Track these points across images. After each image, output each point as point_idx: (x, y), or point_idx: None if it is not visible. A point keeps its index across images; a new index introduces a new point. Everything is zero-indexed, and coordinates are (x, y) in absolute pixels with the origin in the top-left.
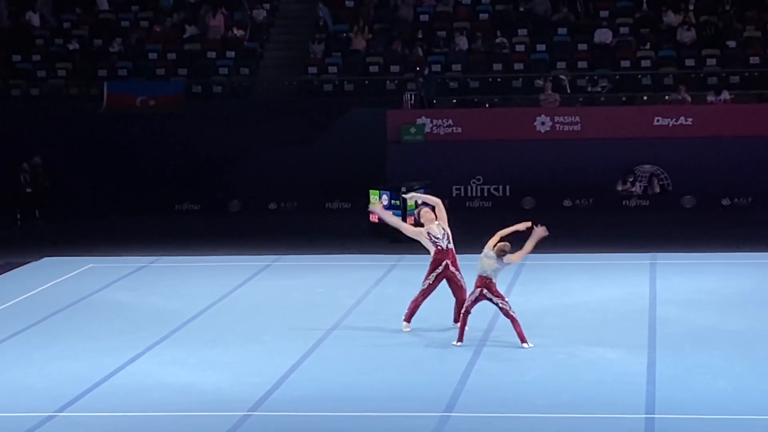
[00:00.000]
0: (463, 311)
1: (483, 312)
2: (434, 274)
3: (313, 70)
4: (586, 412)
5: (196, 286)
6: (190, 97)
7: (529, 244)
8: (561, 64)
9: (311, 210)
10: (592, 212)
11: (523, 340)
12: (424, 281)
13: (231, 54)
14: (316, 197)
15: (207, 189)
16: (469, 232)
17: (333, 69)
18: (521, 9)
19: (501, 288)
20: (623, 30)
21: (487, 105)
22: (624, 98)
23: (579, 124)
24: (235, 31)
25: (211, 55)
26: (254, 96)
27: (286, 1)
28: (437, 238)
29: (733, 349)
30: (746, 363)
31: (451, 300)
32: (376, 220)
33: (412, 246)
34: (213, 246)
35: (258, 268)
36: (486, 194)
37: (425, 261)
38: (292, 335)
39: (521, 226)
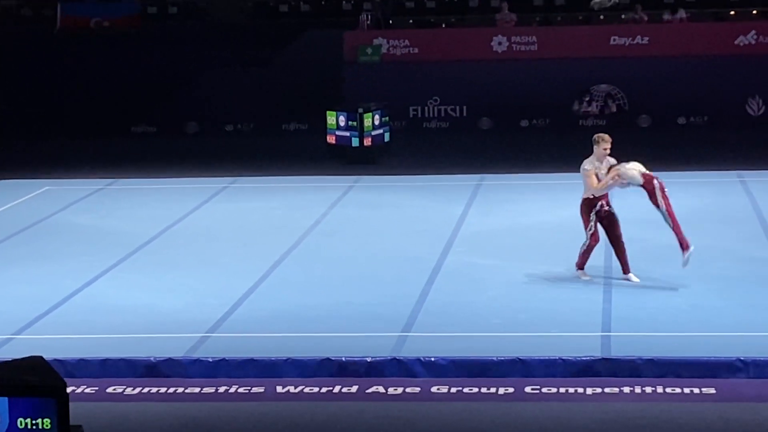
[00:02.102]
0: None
1: (441, 235)
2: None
3: None
4: (542, 330)
5: (153, 208)
6: (146, 19)
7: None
8: None
9: (268, 131)
10: (548, 132)
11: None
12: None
13: None
14: (272, 118)
15: (163, 111)
16: (427, 152)
17: None
18: None
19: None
20: None
21: (443, 25)
22: (580, 17)
23: (535, 44)
24: None
25: None
26: (210, 17)
27: None
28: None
29: (689, 266)
30: (701, 281)
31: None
32: (333, 141)
33: (369, 167)
34: (170, 168)
35: (215, 190)
36: (443, 115)
37: (382, 182)
38: (250, 257)
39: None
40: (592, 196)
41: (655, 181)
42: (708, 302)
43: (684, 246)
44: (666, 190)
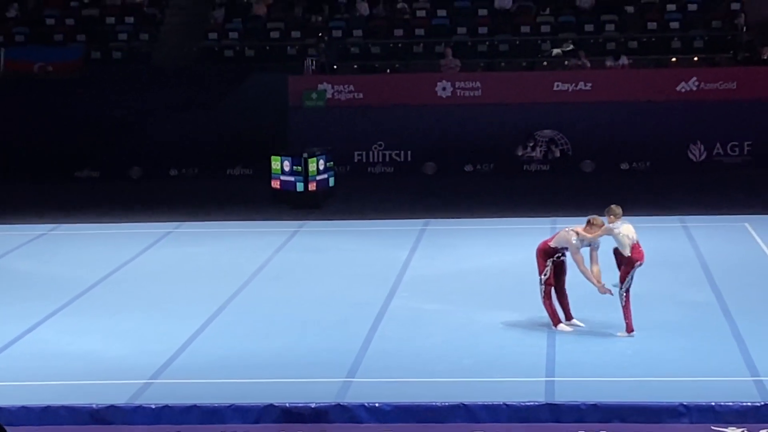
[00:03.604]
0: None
1: (385, 279)
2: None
3: (213, 35)
4: (486, 376)
5: (96, 253)
6: (89, 63)
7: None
8: (462, 30)
9: (212, 176)
10: (492, 177)
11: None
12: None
13: (130, 20)
14: (217, 163)
15: (107, 155)
16: (371, 197)
17: (234, 35)
18: None
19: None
20: None
21: (388, 70)
22: (524, 63)
23: (479, 90)
24: None
25: (110, 20)
26: (154, 62)
27: None
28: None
29: (633, 311)
30: (644, 325)
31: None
32: (278, 186)
33: (314, 212)
34: (113, 213)
35: (159, 235)
36: (388, 159)
37: (327, 227)
38: (194, 302)
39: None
40: (555, 246)
41: (640, 262)
42: (651, 347)
43: (628, 329)
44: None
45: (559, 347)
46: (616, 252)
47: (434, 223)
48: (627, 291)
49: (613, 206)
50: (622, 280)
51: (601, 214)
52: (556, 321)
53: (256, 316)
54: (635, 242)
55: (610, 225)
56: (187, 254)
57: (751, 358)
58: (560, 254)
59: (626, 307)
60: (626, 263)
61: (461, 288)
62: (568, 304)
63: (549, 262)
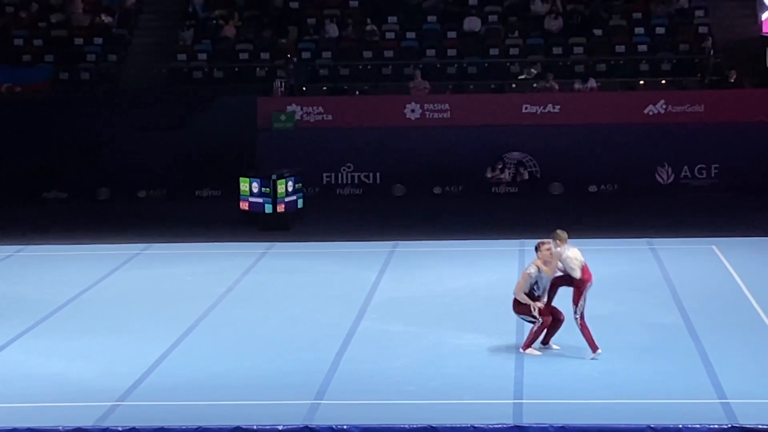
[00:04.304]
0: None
1: (354, 301)
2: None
3: (182, 57)
4: (454, 398)
5: (64, 275)
6: (58, 84)
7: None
8: (431, 52)
9: (181, 197)
10: (461, 199)
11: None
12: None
13: (99, 40)
14: (185, 185)
15: (75, 177)
16: (340, 218)
17: (203, 56)
18: None
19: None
20: (492, 18)
21: (357, 92)
22: (493, 86)
23: (448, 112)
24: (103, 18)
25: (79, 41)
26: (122, 83)
27: None
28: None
29: (599, 333)
30: (612, 347)
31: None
32: (247, 207)
33: (282, 234)
34: (81, 234)
35: (127, 256)
36: (356, 181)
37: (295, 249)
38: (162, 324)
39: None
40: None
41: (590, 283)
42: (619, 369)
43: (593, 348)
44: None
45: (527, 369)
46: (555, 282)
47: (403, 245)
48: (581, 314)
49: (558, 231)
50: (576, 302)
51: (569, 237)
52: (527, 347)
53: (224, 338)
54: (584, 264)
55: (558, 250)
56: (154, 276)
57: (718, 380)
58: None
59: (584, 329)
60: (577, 285)
61: (430, 310)
62: (554, 334)
63: (529, 301)
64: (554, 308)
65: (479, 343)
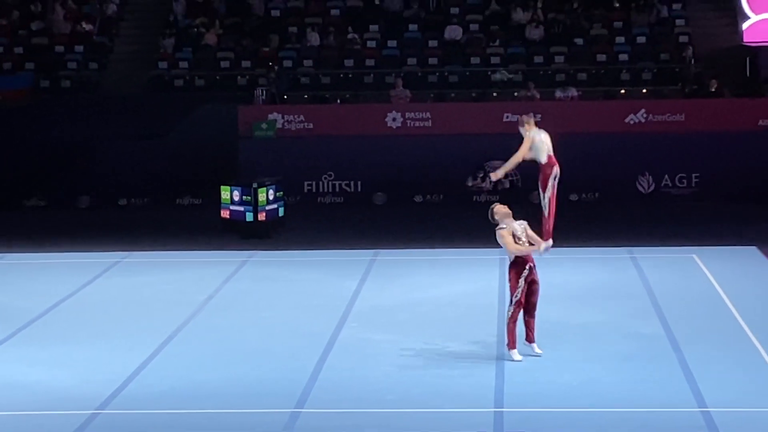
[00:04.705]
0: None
1: (335, 310)
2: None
3: (163, 64)
4: (435, 406)
5: (44, 283)
6: (38, 92)
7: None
8: (412, 60)
9: (162, 205)
10: (442, 207)
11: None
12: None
13: (80, 48)
14: (166, 192)
15: (55, 184)
16: (321, 227)
17: (184, 64)
18: (377, 2)
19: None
20: (473, 27)
21: (338, 101)
22: (474, 94)
23: (430, 120)
24: (84, 25)
25: (59, 49)
26: (103, 90)
27: None
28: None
29: (580, 342)
30: (592, 357)
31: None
32: (228, 216)
33: (263, 242)
34: (62, 242)
35: (107, 264)
36: (338, 190)
37: (276, 257)
38: (143, 332)
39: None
40: (517, 258)
41: (556, 168)
42: (599, 378)
43: (546, 236)
44: (557, 179)
45: (508, 378)
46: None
47: (384, 254)
48: (550, 199)
49: (524, 116)
50: (544, 188)
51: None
52: (512, 344)
53: (205, 347)
54: (551, 152)
55: (528, 134)
56: (135, 284)
57: (698, 389)
58: (530, 266)
59: (550, 216)
60: (543, 170)
61: (410, 318)
62: (534, 326)
63: (522, 281)
64: (533, 292)
65: (460, 351)
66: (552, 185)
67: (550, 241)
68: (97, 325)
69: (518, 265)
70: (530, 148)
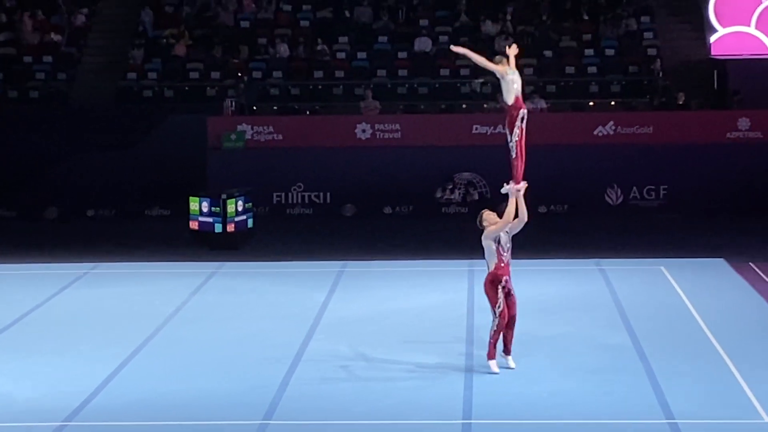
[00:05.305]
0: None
1: (304, 321)
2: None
3: (132, 75)
4: (404, 418)
5: (11, 294)
6: (6, 102)
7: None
8: (381, 72)
9: (130, 217)
10: (411, 219)
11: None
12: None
13: (48, 59)
14: (135, 204)
15: (23, 195)
16: (290, 238)
17: (153, 75)
18: (346, 14)
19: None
20: (443, 39)
21: (308, 112)
22: (443, 106)
23: (399, 132)
24: (53, 36)
25: (28, 59)
26: (72, 101)
27: (105, 6)
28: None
29: (548, 354)
30: (561, 368)
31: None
32: (197, 227)
33: (232, 254)
34: (29, 253)
35: (75, 276)
36: (307, 201)
37: (245, 269)
38: (110, 344)
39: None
40: (495, 272)
41: (523, 110)
42: (567, 390)
43: (516, 179)
44: (524, 121)
45: (476, 389)
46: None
47: (353, 265)
48: (517, 143)
49: (500, 56)
50: (511, 130)
51: (519, 257)
52: (492, 355)
53: (173, 358)
54: (518, 94)
55: (503, 69)
56: (103, 295)
57: (666, 400)
58: (506, 279)
59: (518, 158)
60: (510, 111)
61: (379, 330)
62: (511, 339)
63: (500, 293)
64: (512, 304)
65: (429, 363)
66: (519, 127)
67: (523, 183)
68: (64, 336)
69: (495, 276)
70: (501, 83)
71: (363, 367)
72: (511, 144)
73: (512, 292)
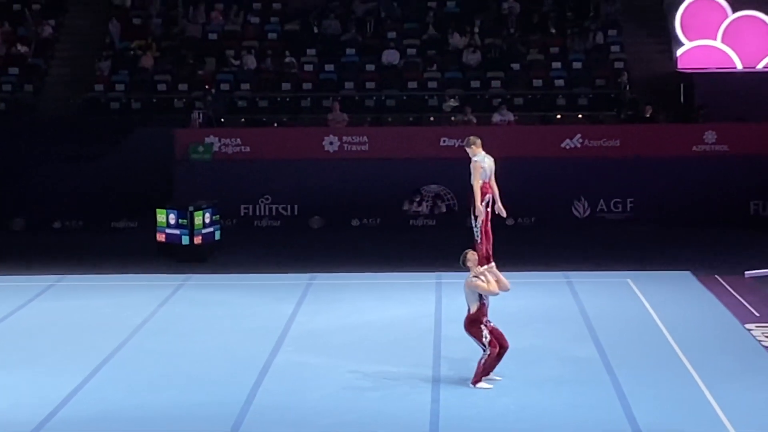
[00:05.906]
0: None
1: (271, 333)
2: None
3: (99, 87)
4: (371, 430)
5: None
6: None
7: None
8: (349, 84)
9: (97, 228)
10: (379, 231)
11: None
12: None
13: (14, 70)
14: (101, 216)
15: None
16: (258, 251)
17: (120, 86)
18: (315, 28)
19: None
20: (410, 51)
21: (275, 124)
22: (411, 119)
23: (367, 144)
24: (19, 47)
25: None
26: (39, 113)
27: (72, 18)
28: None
29: (516, 366)
30: (529, 381)
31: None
32: (164, 239)
33: (199, 266)
34: None
35: (41, 288)
36: (274, 213)
37: (212, 281)
38: (77, 356)
39: None
40: (476, 314)
41: (488, 195)
42: (535, 402)
43: (482, 261)
44: (489, 205)
45: (444, 402)
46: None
47: (320, 278)
48: (481, 228)
49: (471, 137)
50: (475, 213)
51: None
52: (477, 382)
53: (140, 371)
54: (487, 179)
55: (474, 157)
56: (69, 308)
57: (632, 412)
58: (486, 320)
59: (482, 243)
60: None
61: (347, 342)
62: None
63: (483, 328)
64: (501, 336)
65: (396, 375)
66: (484, 212)
67: (487, 266)
68: (30, 349)
69: (476, 317)
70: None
71: (330, 380)
72: (475, 229)
73: (495, 326)
